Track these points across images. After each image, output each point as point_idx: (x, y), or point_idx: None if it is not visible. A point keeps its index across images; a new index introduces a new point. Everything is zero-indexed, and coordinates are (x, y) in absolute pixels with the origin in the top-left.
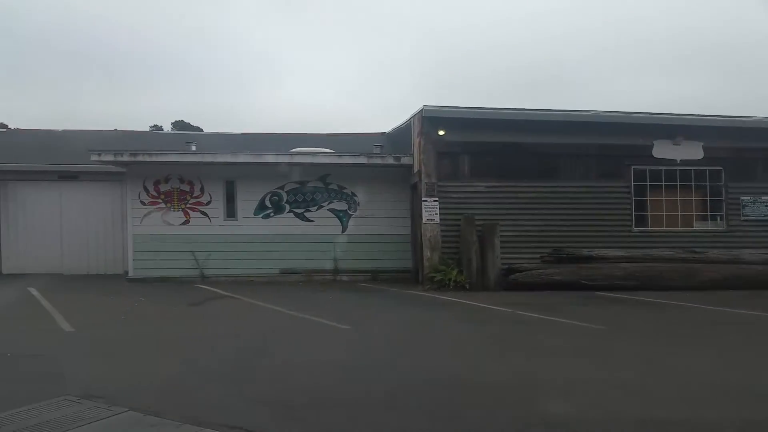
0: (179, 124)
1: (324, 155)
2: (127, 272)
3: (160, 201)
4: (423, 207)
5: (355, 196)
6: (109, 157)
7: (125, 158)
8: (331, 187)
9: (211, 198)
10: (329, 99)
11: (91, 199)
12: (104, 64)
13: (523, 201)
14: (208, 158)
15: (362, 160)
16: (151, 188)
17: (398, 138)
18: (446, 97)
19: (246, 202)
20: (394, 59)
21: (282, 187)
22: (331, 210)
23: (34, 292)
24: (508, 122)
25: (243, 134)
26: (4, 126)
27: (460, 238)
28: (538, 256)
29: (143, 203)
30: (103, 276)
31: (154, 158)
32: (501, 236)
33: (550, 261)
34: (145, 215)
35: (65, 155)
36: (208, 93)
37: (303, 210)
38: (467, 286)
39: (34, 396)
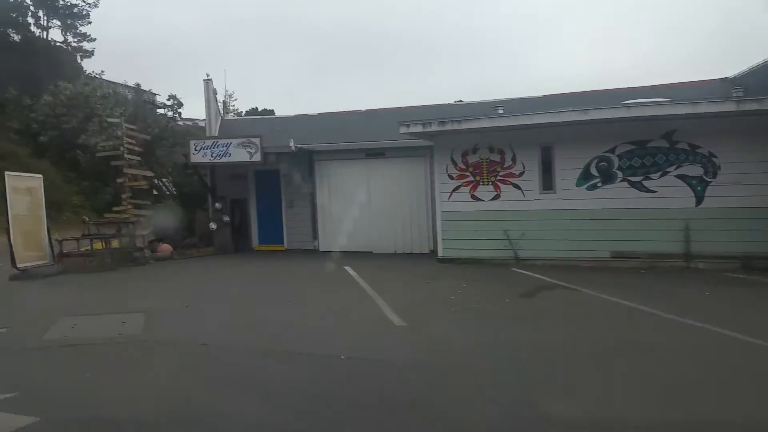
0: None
1: (671, 105)
2: (433, 251)
3: (468, 174)
4: None
5: (714, 157)
6: (418, 128)
7: (434, 128)
8: (678, 146)
9: (524, 168)
10: (614, 58)
11: (397, 175)
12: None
13: None
14: (523, 120)
15: (729, 106)
16: (458, 160)
17: (753, 81)
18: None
19: (566, 171)
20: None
21: (612, 151)
22: (680, 176)
23: (350, 272)
24: None
25: (544, 96)
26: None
27: None
28: None
29: (451, 177)
30: (410, 255)
31: (463, 125)
32: None
33: None
34: (453, 190)
35: (371, 133)
36: (476, 71)
37: (641, 178)
38: None
39: None
